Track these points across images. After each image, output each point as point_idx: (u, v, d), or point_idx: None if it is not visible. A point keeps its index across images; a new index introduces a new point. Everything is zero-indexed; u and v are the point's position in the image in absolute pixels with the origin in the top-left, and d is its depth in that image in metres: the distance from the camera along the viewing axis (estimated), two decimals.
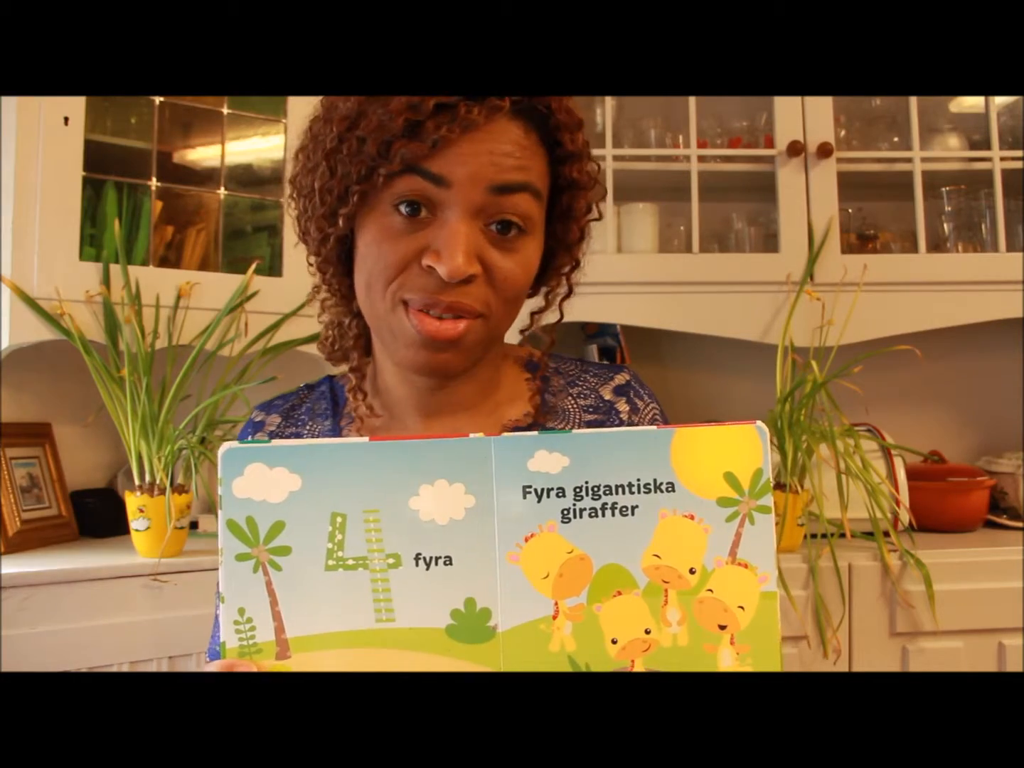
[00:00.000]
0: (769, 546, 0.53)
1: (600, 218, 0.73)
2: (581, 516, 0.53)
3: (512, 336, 0.75)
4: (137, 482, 1.39)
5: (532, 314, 0.76)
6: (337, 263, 0.71)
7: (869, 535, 1.43)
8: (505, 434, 0.53)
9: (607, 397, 0.77)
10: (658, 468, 0.53)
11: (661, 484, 0.53)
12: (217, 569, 0.52)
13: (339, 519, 0.52)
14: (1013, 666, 1.39)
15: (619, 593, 0.53)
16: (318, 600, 0.52)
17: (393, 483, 0.52)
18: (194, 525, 1.52)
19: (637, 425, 0.76)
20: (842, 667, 1.39)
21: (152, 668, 1.29)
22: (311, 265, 0.73)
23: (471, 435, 0.53)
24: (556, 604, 0.53)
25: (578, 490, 0.53)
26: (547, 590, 0.53)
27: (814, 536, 1.46)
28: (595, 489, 0.53)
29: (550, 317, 0.76)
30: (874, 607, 1.40)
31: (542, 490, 0.53)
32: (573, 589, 0.53)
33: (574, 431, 0.54)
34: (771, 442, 1.07)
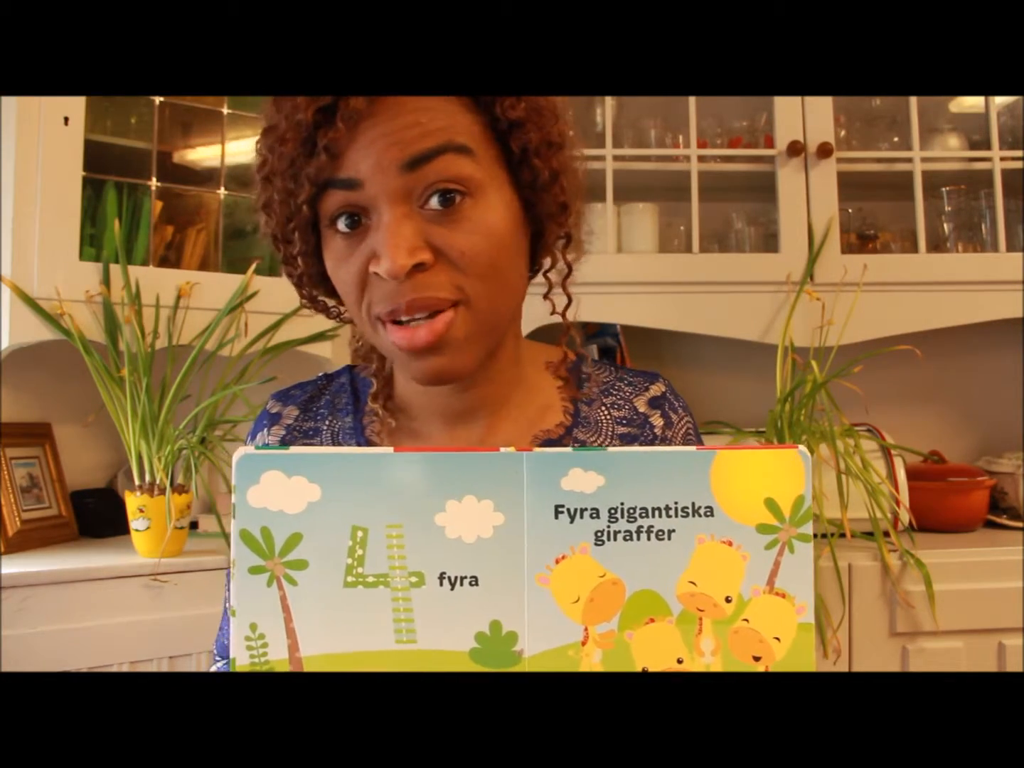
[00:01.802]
0: (808, 576, 0.52)
1: (563, 145, 0.66)
2: (615, 539, 0.50)
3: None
4: (137, 482, 1.39)
5: (544, 296, 0.72)
6: (328, 296, 0.70)
7: (869, 535, 1.43)
8: (538, 450, 0.51)
9: (641, 409, 0.74)
10: (697, 491, 0.51)
11: (700, 508, 0.51)
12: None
13: (360, 533, 0.49)
14: (1013, 666, 1.39)
15: (652, 620, 0.51)
16: (335, 618, 0.49)
17: (418, 497, 0.50)
18: (194, 525, 1.52)
19: (670, 440, 0.74)
20: (842, 667, 1.39)
21: (152, 668, 1.29)
22: (308, 308, 0.72)
23: (502, 449, 0.51)
24: (586, 630, 0.50)
25: (613, 511, 0.50)
26: (577, 615, 0.50)
27: (814, 536, 1.45)
28: (631, 511, 0.51)
29: (558, 271, 0.71)
30: (874, 607, 1.40)
31: (575, 510, 0.50)
32: (604, 615, 0.50)
33: (610, 449, 0.52)
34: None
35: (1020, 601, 1.39)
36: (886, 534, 1.42)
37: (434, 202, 0.59)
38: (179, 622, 1.31)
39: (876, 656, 1.40)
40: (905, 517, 1.49)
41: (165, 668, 1.30)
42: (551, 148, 0.65)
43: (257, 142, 0.65)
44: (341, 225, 0.61)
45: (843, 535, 1.39)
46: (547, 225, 0.67)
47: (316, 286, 0.69)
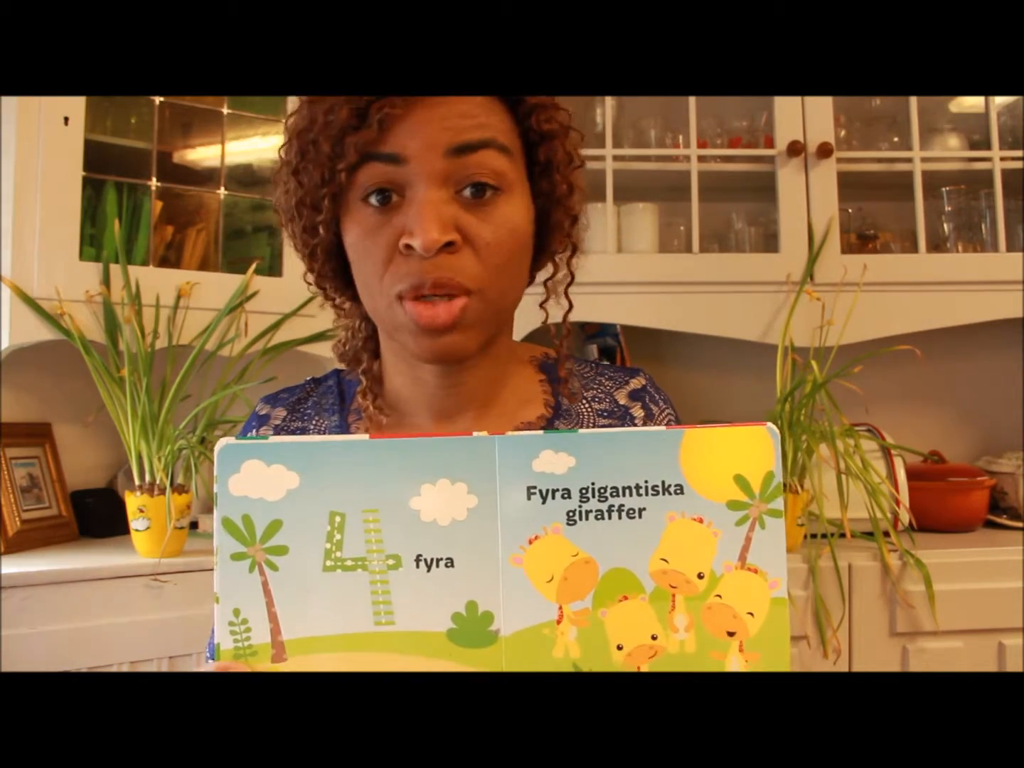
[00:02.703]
0: (780, 551, 0.52)
1: (582, 164, 0.70)
2: (587, 518, 0.51)
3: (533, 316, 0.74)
4: (137, 482, 1.40)
5: (544, 294, 0.74)
6: (333, 277, 0.71)
7: (869, 535, 1.43)
8: (510, 433, 0.52)
9: (622, 402, 0.76)
10: (667, 470, 0.52)
11: (670, 486, 0.52)
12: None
13: (338, 518, 0.51)
14: (1013, 666, 1.39)
15: (625, 598, 0.52)
16: (315, 602, 0.51)
17: (394, 482, 0.51)
18: (194, 525, 1.52)
19: None
20: (842, 667, 1.39)
21: (152, 668, 1.29)
22: (310, 284, 0.73)
23: (475, 433, 0.52)
24: (560, 608, 0.51)
25: (584, 491, 0.51)
26: (551, 594, 0.51)
27: (814, 536, 1.46)
28: (602, 491, 0.52)
29: (561, 280, 0.74)
30: (874, 607, 1.40)
31: (547, 491, 0.51)
32: (578, 593, 0.51)
33: (581, 431, 0.53)
34: None
35: (1020, 601, 1.39)
36: (886, 534, 1.42)
37: (468, 192, 0.63)
38: (179, 622, 1.31)
39: (876, 656, 1.40)
40: (905, 517, 1.49)
41: (165, 668, 1.30)
42: (571, 165, 0.69)
43: (300, 108, 0.66)
44: (372, 199, 0.63)
45: (843, 535, 1.39)
46: (554, 235, 0.71)
47: (327, 261, 0.70)
